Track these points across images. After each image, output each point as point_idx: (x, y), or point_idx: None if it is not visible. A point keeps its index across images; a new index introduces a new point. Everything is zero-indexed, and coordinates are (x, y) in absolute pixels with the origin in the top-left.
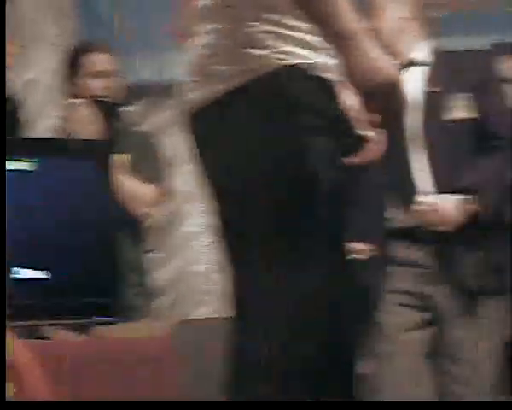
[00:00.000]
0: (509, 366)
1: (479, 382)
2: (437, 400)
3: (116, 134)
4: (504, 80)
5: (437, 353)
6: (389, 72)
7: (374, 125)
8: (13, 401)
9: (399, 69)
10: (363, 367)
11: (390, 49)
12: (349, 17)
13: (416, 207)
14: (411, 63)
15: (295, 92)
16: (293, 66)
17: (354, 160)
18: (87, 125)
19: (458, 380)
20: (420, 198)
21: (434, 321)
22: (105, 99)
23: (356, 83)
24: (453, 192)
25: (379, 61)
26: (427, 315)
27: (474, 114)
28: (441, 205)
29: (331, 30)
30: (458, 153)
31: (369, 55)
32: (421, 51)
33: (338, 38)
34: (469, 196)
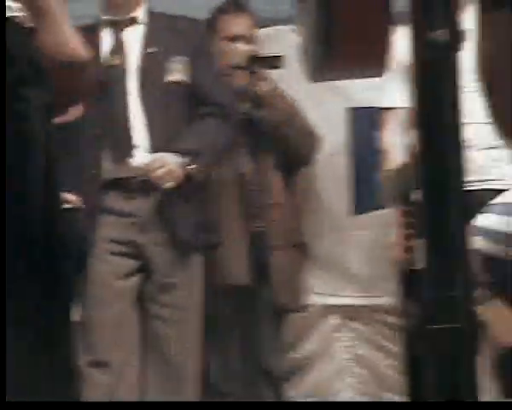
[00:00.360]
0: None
1: (184, 324)
2: (143, 343)
3: None
4: (232, 39)
5: (147, 298)
6: (76, 50)
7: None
8: (13, 401)
9: (121, 28)
10: (76, 314)
11: (112, 5)
12: None
13: (139, 161)
14: (132, 21)
15: (7, 44)
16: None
17: (60, 119)
18: None
19: (165, 322)
20: (141, 154)
21: (145, 269)
22: None
23: (48, 54)
24: (170, 152)
25: (69, 38)
26: (138, 263)
27: (189, 79)
28: (166, 162)
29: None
30: (174, 114)
31: (62, 29)
32: (142, 11)
33: (35, 9)
34: (185, 158)
